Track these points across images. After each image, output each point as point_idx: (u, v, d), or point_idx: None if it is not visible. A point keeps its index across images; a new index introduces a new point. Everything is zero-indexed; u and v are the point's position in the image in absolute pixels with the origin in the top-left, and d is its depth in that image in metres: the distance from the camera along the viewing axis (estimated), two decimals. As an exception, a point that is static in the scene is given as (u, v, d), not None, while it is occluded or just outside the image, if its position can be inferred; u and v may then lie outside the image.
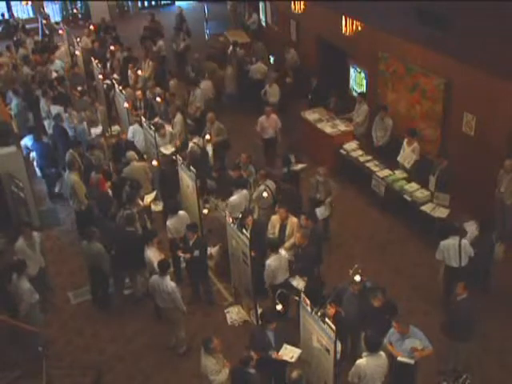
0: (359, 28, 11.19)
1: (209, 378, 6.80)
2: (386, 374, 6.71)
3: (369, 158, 11.70)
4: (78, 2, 24.74)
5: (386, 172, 11.15)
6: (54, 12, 24.12)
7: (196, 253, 8.77)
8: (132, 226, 9.25)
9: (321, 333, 6.54)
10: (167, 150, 11.60)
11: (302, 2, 13.30)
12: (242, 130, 13.87)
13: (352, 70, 13.92)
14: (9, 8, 23.84)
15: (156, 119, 13.04)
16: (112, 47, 17.10)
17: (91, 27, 19.56)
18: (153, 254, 8.63)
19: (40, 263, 9.19)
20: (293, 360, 7.07)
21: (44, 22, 20.51)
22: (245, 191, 9.90)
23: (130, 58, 16.28)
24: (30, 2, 23.35)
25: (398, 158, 11.22)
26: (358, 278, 7.41)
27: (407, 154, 11.06)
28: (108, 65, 16.10)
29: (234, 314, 9.15)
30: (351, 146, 12.17)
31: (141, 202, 10.17)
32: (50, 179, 12.52)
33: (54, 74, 15.82)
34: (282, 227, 9.12)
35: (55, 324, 9.21)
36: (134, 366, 8.42)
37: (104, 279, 9.31)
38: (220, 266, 9.77)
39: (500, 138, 9.67)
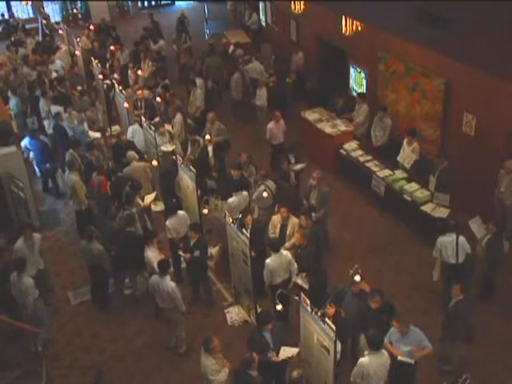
0: (359, 28, 11.19)
1: (208, 377, 6.80)
2: (387, 371, 6.71)
3: (369, 157, 11.70)
4: (78, 2, 24.75)
5: (386, 172, 11.15)
6: (53, 12, 24.13)
7: (196, 253, 8.77)
8: (132, 226, 9.25)
9: (321, 333, 6.54)
10: (167, 148, 11.59)
11: (302, 2, 13.30)
12: (243, 128, 13.91)
13: (352, 70, 13.91)
14: (9, 8, 23.84)
15: (156, 119, 13.05)
16: (112, 47, 17.11)
17: (91, 27, 19.57)
18: (152, 254, 8.63)
19: (38, 265, 9.18)
20: (295, 353, 7.08)
21: (44, 22, 20.51)
22: (245, 193, 9.89)
23: (136, 52, 16.48)
24: (29, 2, 23.37)
25: (398, 158, 11.22)
26: (357, 277, 7.41)
27: (407, 154, 11.07)
28: (107, 65, 16.08)
29: (234, 314, 9.15)
30: (351, 145, 12.17)
31: (141, 202, 10.17)
32: (44, 175, 12.59)
33: (54, 74, 15.82)
34: (283, 227, 9.13)
35: (55, 324, 9.21)
36: (134, 366, 8.42)
37: (104, 279, 9.30)
38: (220, 266, 9.76)
39: (500, 138, 9.67)
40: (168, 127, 12.41)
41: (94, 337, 8.98)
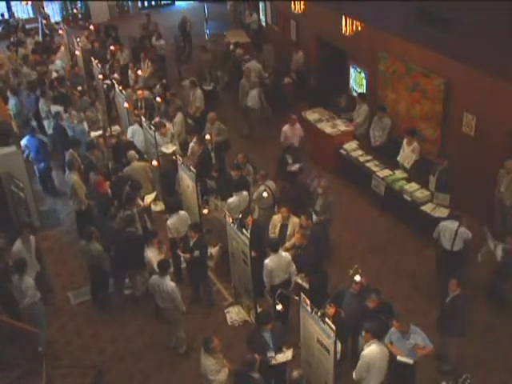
0: (359, 28, 11.18)
1: (208, 377, 6.80)
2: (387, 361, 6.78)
3: (369, 157, 11.71)
4: (78, 2, 24.74)
5: (386, 172, 11.16)
6: (53, 12, 24.14)
7: (196, 253, 8.77)
8: (132, 227, 9.25)
9: (321, 333, 6.54)
10: (168, 149, 11.60)
11: (302, 2, 13.30)
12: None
13: (352, 70, 13.91)
14: (9, 8, 23.85)
15: (156, 119, 13.05)
16: (112, 47, 17.11)
17: (91, 27, 19.57)
18: (152, 254, 8.63)
19: (35, 267, 9.16)
20: (289, 358, 7.07)
21: (44, 22, 20.51)
22: (245, 193, 9.90)
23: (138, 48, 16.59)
24: (29, 2, 23.38)
25: (398, 158, 11.22)
26: (357, 277, 7.41)
27: (407, 154, 11.07)
28: (107, 66, 16.07)
29: (234, 314, 9.15)
30: (351, 145, 12.18)
31: (141, 202, 10.17)
32: (41, 174, 12.64)
33: (55, 74, 15.83)
34: (283, 227, 9.13)
35: (55, 324, 9.22)
36: (134, 366, 8.42)
37: (104, 279, 9.30)
38: (220, 266, 9.76)
39: (500, 138, 9.67)
40: (169, 126, 12.41)
41: (94, 337, 8.98)
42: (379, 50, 12.33)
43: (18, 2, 23.62)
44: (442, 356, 7.80)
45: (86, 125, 12.99)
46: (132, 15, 24.92)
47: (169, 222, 9.37)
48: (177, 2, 26.06)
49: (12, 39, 19.52)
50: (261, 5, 19.34)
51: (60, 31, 19.29)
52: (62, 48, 17.97)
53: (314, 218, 9.63)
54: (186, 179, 9.94)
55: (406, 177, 10.90)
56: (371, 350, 6.64)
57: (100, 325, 9.18)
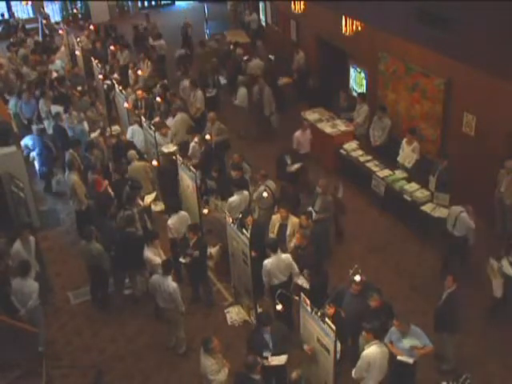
0: (359, 28, 11.19)
1: (208, 377, 6.80)
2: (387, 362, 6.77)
3: (369, 157, 11.71)
4: (78, 2, 24.76)
5: (386, 172, 11.16)
6: (53, 12, 24.16)
7: (196, 253, 8.77)
8: (132, 227, 9.24)
9: (321, 333, 6.54)
10: (168, 148, 11.60)
11: (302, 2, 13.30)
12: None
13: (352, 70, 13.92)
14: (9, 8, 23.86)
15: (156, 119, 13.05)
16: (112, 47, 17.11)
17: (91, 27, 19.58)
18: (152, 255, 8.62)
19: (35, 267, 9.15)
20: (282, 362, 7.06)
21: (44, 21, 20.51)
22: (245, 192, 9.90)
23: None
24: (29, 2, 23.39)
25: (398, 159, 11.23)
26: (357, 277, 7.41)
27: (407, 154, 11.08)
28: (107, 67, 16.08)
29: (234, 314, 9.15)
30: (351, 145, 12.18)
31: (141, 202, 10.16)
32: (42, 177, 12.71)
33: (55, 74, 15.83)
34: (283, 227, 9.13)
35: (55, 324, 9.22)
36: (134, 365, 8.42)
37: (104, 279, 9.30)
38: (220, 266, 9.76)
39: (500, 138, 9.67)
40: (171, 123, 12.39)
41: (94, 337, 8.98)
42: (379, 49, 12.33)
43: (18, 2, 23.63)
44: (441, 355, 7.79)
45: (86, 125, 12.99)
46: (132, 15, 24.93)
47: (169, 222, 9.36)
48: (177, 2, 26.07)
49: (12, 39, 19.52)
50: (261, 5, 19.36)
51: (60, 31, 19.30)
52: (62, 48, 17.99)
53: (314, 216, 9.64)
54: (186, 179, 9.94)
55: (406, 177, 10.90)
56: (372, 350, 6.64)
57: (100, 325, 9.18)
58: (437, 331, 7.61)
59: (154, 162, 10.93)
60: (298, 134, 11.94)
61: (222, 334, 8.13)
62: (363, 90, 13.45)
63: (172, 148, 11.64)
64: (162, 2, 26.11)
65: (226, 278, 9.58)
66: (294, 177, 11.08)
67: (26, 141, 12.65)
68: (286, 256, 8.33)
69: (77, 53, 16.90)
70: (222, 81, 16.17)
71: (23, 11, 24.04)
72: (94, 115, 13.53)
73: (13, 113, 13.85)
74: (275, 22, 18.43)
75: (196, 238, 8.84)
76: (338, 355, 6.53)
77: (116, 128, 14.13)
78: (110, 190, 10.57)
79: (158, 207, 11.56)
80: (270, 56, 17.31)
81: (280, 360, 7.05)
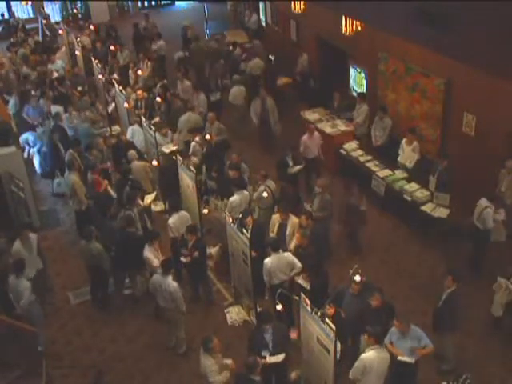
0: (359, 28, 11.18)
1: (208, 380, 6.79)
2: (387, 368, 6.73)
3: (369, 157, 11.71)
4: (78, 2, 24.75)
5: (386, 172, 11.16)
6: (53, 12, 24.14)
7: (195, 254, 8.77)
8: (132, 227, 9.24)
9: (321, 333, 6.54)
10: (168, 148, 11.60)
11: (302, 2, 13.30)
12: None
13: (352, 70, 13.92)
14: (9, 8, 23.86)
15: (156, 119, 13.06)
16: (112, 47, 17.11)
17: (91, 27, 19.58)
18: (151, 255, 8.62)
19: (37, 265, 9.17)
20: (279, 360, 7.05)
21: (44, 21, 20.50)
22: (246, 192, 9.91)
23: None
24: (29, 2, 23.38)
25: (399, 159, 11.22)
26: (357, 277, 7.41)
27: (408, 154, 11.08)
28: (108, 67, 16.08)
29: (234, 314, 9.15)
30: (351, 146, 12.18)
31: (141, 202, 10.16)
32: (45, 176, 12.76)
33: (55, 74, 15.83)
34: (282, 227, 9.13)
35: (55, 324, 9.22)
36: (134, 365, 8.42)
37: (104, 279, 9.30)
38: (220, 266, 9.77)
39: (500, 138, 9.67)
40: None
41: (94, 337, 8.98)
42: (379, 49, 12.33)
43: (18, 2, 23.62)
44: (441, 355, 7.79)
45: (88, 124, 13.00)
46: (132, 15, 24.92)
47: (170, 221, 9.36)
48: (177, 2, 26.05)
49: (12, 39, 19.52)
50: (261, 5, 19.34)
51: (60, 31, 19.30)
52: (63, 48, 17.99)
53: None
54: (186, 179, 9.94)
55: (406, 177, 10.90)
56: (370, 354, 6.60)
57: (100, 325, 9.18)
58: (436, 331, 7.61)
59: (154, 162, 10.93)
60: (305, 137, 11.64)
61: (222, 334, 8.13)
62: (363, 89, 13.45)
63: (172, 148, 11.64)
64: (162, 2, 26.08)
65: (226, 277, 9.58)
66: (295, 178, 11.05)
67: (27, 136, 12.64)
68: (288, 254, 8.34)
69: (77, 53, 16.89)
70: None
71: (23, 11, 24.02)
72: (93, 115, 13.53)
73: (13, 113, 13.85)
74: (275, 22, 18.42)
75: (195, 239, 8.84)
76: (338, 355, 6.53)
77: (116, 128, 14.14)
78: (109, 190, 10.58)
79: (158, 207, 11.57)
80: (270, 56, 17.29)
81: (277, 358, 7.05)
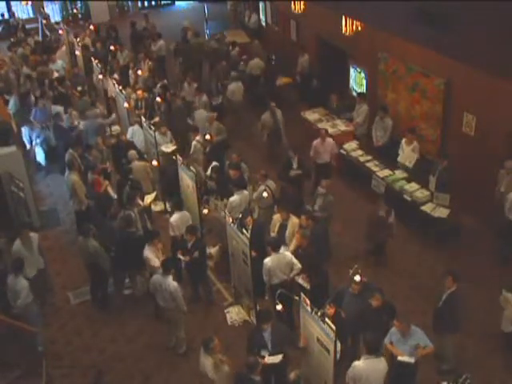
0: (359, 28, 11.19)
1: (209, 376, 6.79)
2: (383, 379, 6.64)
3: (369, 157, 11.71)
4: (78, 2, 24.76)
5: (386, 172, 11.16)
6: (53, 12, 24.16)
7: (195, 254, 8.77)
8: (132, 227, 9.24)
9: (321, 333, 6.54)
10: (168, 148, 11.61)
11: (302, 2, 13.30)
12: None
13: (352, 70, 13.92)
14: (9, 8, 23.86)
15: (156, 119, 13.06)
16: (112, 47, 17.12)
17: (91, 27, 19.58)
18: (151, 254, 8.62)
19: (38, 265, 9.17)
20: (276, 361, 7.03)
21: (44, 21, 20.52)
22: (245, 192, 9.91)
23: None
24: (29, 2, 23.39)
25: (399, 159, 11.22)
26: (357, 277, 7.41)
27: (408, 154, 11.08)
28: (108, 67, 16.08)
29: (234, 314, 9.15)
30: (351, 146, 12.18)
31: (141, 202, 10.16)
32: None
33: (56, 74, 15.84)
34: (283, 227, 9.13)
35: (55, 324, 9.22)
36: (134, 366, 8.42)
37: (102, 276, 9.29)
38: (220, 266, 9.77)
39: (500, 138, 9.67)
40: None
41: (94, 337, 8.98)
42: (379, 49, 12.33)
43: (18, 2, 23.63)
44: (441, 356, 7.79)
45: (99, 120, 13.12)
46: (132, 15, 24.92)
47: (171, 220, 9.37)
48: (177, 2, 26.06)
49: (12, 39, 19.53)
50: (261, 5, 19.34)
51: (60, 31, 19.31)
52: (63, 48, 17.99)
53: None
54: (186, 179, 9.94)
55: (406, 177, 10.91)
56: (360, 364, 6.53)
57: (100, 325, 9.18)
58: (436, 331, 7.62)
59: (154, 162, 10.94)
60: (316, 142, 11.39)
61: (222, 334, 8.13)
62: (363, 89, 13.45)
63: (171, 148, 11.65)
64: (162, 2, 26.10)
65: (226, 277, 9.58)
66: (298, 181, 11.02)
67: (28, 131, 12.66)
68: (287, 253, 8.33)
69: (77, 53, 16.90)
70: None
71: (23, 11, 24.03)
72: (97, 111, 13.53)
73: (12, 112, 13.85)
74: (275, 22, 18.42)
75: (194, 239, 8.84)
76: (338, 355, 6.52)
77: (116, 128, 14.15)
78: (110, 191, 10.58)
79: (158, 207, 11.57)
80: (272, 57, 17.28)
81: (275, 359, 7.05)
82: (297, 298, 7.34)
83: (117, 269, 9.37)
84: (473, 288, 8.68)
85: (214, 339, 6.80)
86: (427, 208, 10.09)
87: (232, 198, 9.74)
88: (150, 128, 11.18)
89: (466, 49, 7.16)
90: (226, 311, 9.21)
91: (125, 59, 16.75)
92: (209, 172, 11.03)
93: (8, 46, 18.26)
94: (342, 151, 12.11)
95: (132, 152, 11.15)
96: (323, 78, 14.84)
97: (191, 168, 9.70)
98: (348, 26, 11.20)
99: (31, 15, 23.78)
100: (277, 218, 9.26)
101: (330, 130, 12.38)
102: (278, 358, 7.02)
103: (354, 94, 13.81)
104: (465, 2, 6.74)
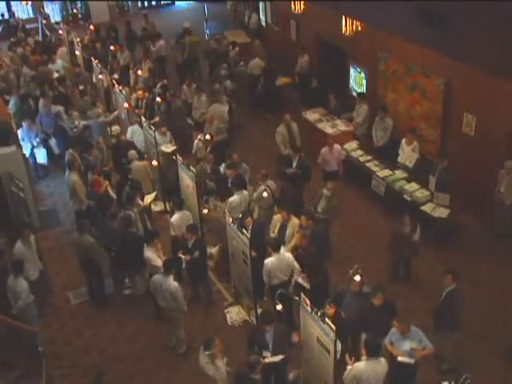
0: (359, 28, 11.19)
1: (210, 375, 6.79)
2: (383, 380, 6.64)
3: (369, 157, 11.71)
4: (78, 2, 24.77)
5: (386, 172, 11.16)
6: (53, 12, 24.17)
7: (196, 254, 8.77)
8: (132, 227, 9.23)
9: (321, 333, 6.54)
10: (168, 148, 11.61)
11: (302, 2, 13.30)
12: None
13: (352, 70, 13.92)
14: (9, 8, 23.87)
15: (156, 119, 13.06)
16: (112, 47, 17.11)
17: (91, 27, 19.59)
18: (152, 255, 8.62)
19: (39, 266, 9.17)
20: (276, 360, 7.04)
21: (44, 21, 20.53)
22: (245, 192, 9.91)
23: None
24: (29, 2, 23.40)
25: (399, 159, 11.22)
26: (357, 277, 7.41)
27: (408, 154, 11.08)
28: (108, 67, 16.08)
29: (234, 314, 9.15)
30: (351, 146, 12.18)
31: (141, 202, 10.16)
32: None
33: (56, 74, 15.83)
34: (283, 227, 9.13)
35: (55, 324, 9.22)
36: (134, 365, 8.42)
37: (98, 272, 9.30)
38: (220, 266, 9.76)
39: (500, 138, 9.67)
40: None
41: (94, 337, 8.98)
42: (379, 49, 12.33)
43: (18, 2, 23.64)
44: (441, 355, 7.79)
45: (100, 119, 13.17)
46: (132, 15, 24.92)
47: (173, 219, 9.37)
48: (177, 2, 26.06)
49: (13, 39, 19.53)
50: (261, 5, 19.34)
51: (60, 31, 19.31)
52: (63, 48, 17.99)
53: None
54: (186, 179, 9.94)
55: (406, 177, 10.90)
56: (360, 365, 6.53)
57: (100, 325, 9.18)
58: (436, 330, 7.61)
59: (154, 162, 10.94)
60: (324, 150, 11.34)
61: (222, 334, 8.12)
62: (363, 89, 13.45)
63: (171, 148, 11.65)
64: (162, 2, 26.11)
65: (226, 277, 9.58)
66: (292, 179, 11.02)
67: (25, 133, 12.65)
68: (289, 255, 8.33)
69: (77, 53, 16.89)
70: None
71: (23, 11, 24.05)
72: (98, 110, 13.53)
73: (12, 112, 13.85)
74: (275, 22, 18.42)
75: (195, 239, 8.85)
76: (338, 355, 6.52)
77: (116, 128, 14.15)
78: (110, 191, 10.58)
79: (158, 207, 11.56)
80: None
81: (275, 358, 7.05)
82: (297, 298, 7.34)
83: (117, 269, 9.37)
84: (472, 288, 8.68)
85: (216, 340, 6.80)
86: (427, 208, 10.09)
87: (232, 198, 9.74)
88: (150, 128, 11.18)
89: (466, 49, 7.16)
90: (225, 311, 9.21)
91: (125, 59, 16.75)
92: (222, 168, 11.00)
93: (8, 46, 18.26)
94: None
95: (132, 152, 11.15)
96: (323, 78, 14.85)
97: (191, 168, 9.69)
98: (348, 26, 11.20)
99: (31, 15, 23.79)
100: (277, 218, 9.26)
101: (330, 130, 12.37)
102: (278, 358, 7.03)
103: (354, 94, 13.81)
104: (465, 2, 6.74)
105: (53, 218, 11.82)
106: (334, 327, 6.22)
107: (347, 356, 6.74)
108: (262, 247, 8.58)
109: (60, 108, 13.30)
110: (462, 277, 7.69)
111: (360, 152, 11.94)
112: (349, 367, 6.58)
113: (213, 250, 9.76)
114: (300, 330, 7.13)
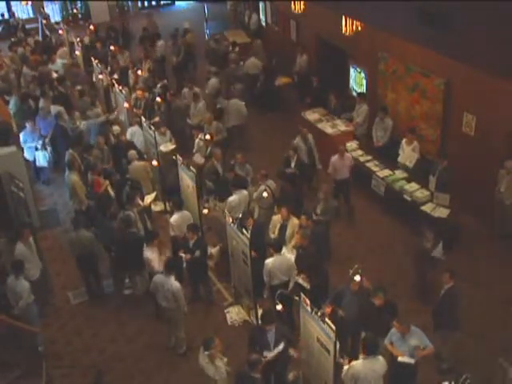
0: (359, 28, 11.19)
1: (209, 375, 6.79)
2: (382, 379, 6.63)
3: (369, 157, 11.71)
4: (78, 2, 24.78)
5: (386, 172, 11.16)
6: (53, 12, 24.18)
7: (196, 253, 8.77)
8: (132, 227, 9.23)
9: (321, 333, 6.54)
10: (166, 147, 11.61)
11: (302, 2, 13.31)
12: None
13: (352, 70, 13.92)
14: (9, 8, 23.87)
15: (156, 119, 13.06)
16: (112, 48, 17.12)
17: (91, 27, 19.60)
18: (152, 255, 8.61)
19: (39, 266, 9.17)
20: (276, 352, 7.03)
21: (44, 21, 20.53)
22: (244, 192, 9.91)
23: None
24: (29, 2, 23.41)
25: (399, 159, 11.22)
26: (357, 277, 7.41)
27: (408, 154, 11.08)
28: (108, 68, 16.09)
29: (234, 314, 9.16)
30: (351, 146, 12.17)
31: (141, 202, 10.17)
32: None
33: (55, 74, 15.83)
34: (283, 227, 9.13)
35: (55, 324, 9.22)
36: (134, 365, 8.42)
37: (94, 266, 9.33)
38: (220, 266, 9.76)
39: (500, 138, 9.67)
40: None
41: (93, 337, 8.98)
42: (379, 49, 12.33)
43: (18, 2, 23.65)
44: (441, 355, 7.79)
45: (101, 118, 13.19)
46: (132, 15, 24.93)
47: (172, 220, 9.37)
48: (177, 2, 26.07)
49: (13, 39, 19.54)
50: (261, 5, 19.35)
51: (60, 31, 19.31)
52: (64, 48, 17.99)
53: (314, 217, 9.64)
54: (186, 179, 9.94)
55: (406, 177, 10.90)
56: (358, 364, 6.53)
57: (100, 325, 9.18)
58: (436, 329, 7.61)
59: (154, 162, 10.94)
60: (334, 159, 10.85)
61: (222, 334, 8.13)
62: (363, 89, 13.45)
63: (170, 147, 11.65)
64: (162, 2, 26.12)
65: (226, 278, 9.58)
66: (291, 179, 11.01)
67: (26, 137, 12.64)
68: (290, 256, 8.34)
69: (77, 53, 16.89)
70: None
71: (23, 11, 24.06)
72: (98, 110, 13.53)
73: (12, 112, 13.85)
74: (275, 22, 18.43)
75: (195, 238, 8.85)
76: (338, 355, 6.52)
77: (116, 128, 14.14)
78: (109, 191, 10.58)
79: (158, 207, 11.56)
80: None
81: (274, 351, 7.04)
82: (297, 298, 7.34)
83: (117, 269, 9.36)
84: (472, 288, 8.68)
85: (216, 340, 6.80)
86: (427, 208, 10.09)
87: (231, 198, 9.74)
88: (150, 128, 11.18)
89: (466, 49, 7.15)
90: (225, 311, 9.22)
91: (125, 60, 16.75)
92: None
93: (8, 46, 18.26)
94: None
95: (132, 152, 11.15)
96: (323, 77, 14.84)
97: (191, 168, 9.70)
98: (348, 26, 11.20)
99: (31, 15, 23.81)
100: (277, 218, 9.26)
101: (330, 130, 12.37)
102: (276, 351, 7.03)
103: (354, 94, 13.81)
104: (465, 2, 6.74)
105: (53, 218, 11.82)
106: (334, 327, 6.22)
107: (341, 357, 6.75)
108: (262, 247, 8.58)
109: (60, 108, 13.30)
110: (461, 277, 7.69)
111: (360, 152, 11.94)
112: (345, 366, 6.59)
113: (213, 250, 9.76)
114: (300, 331, 7.14)
